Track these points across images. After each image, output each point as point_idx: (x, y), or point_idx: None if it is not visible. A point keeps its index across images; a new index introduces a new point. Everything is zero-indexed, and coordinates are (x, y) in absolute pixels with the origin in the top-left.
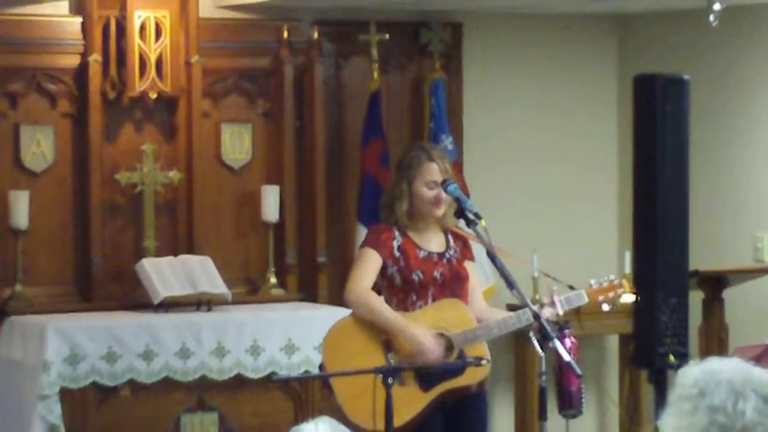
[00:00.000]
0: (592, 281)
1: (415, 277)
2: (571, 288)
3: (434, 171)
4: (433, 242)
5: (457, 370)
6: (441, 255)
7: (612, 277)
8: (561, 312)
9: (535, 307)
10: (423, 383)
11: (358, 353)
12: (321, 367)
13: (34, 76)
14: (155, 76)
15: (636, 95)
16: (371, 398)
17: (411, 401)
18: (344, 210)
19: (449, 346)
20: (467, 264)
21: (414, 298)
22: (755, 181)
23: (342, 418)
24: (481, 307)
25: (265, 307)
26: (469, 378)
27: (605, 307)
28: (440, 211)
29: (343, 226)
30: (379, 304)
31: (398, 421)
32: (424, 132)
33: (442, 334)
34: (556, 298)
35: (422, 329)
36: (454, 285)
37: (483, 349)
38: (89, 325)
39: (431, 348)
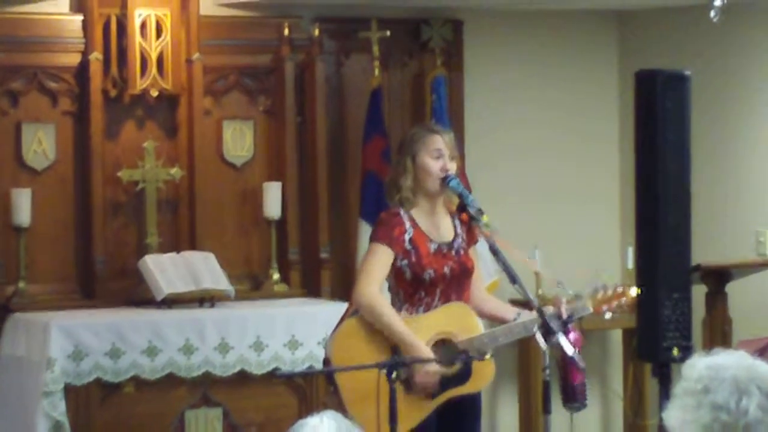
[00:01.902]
0: (598, 290)
1: (426, 276)
2: (577, 296)
3: (438, 141)
4: (442, 228)
5: (463, 377)
6: (450, 245)
7: (615, 285)
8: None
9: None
10: (432, 391)
11: (366, 356)
12: (325, 362)
13: (35, 75)
14: (156, 73)
15: (637, 91)
16: (375, 403)
17: (417, 408)
18: (346, 206)
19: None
20: (471, 251)
21: (422, 294)
22: (757, 176)
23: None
24: (482, 296)
25: (268, 303)
26: (475, 385)
27: (607, 316)
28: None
29: (346, 223)
30: (388, 312)
31: (403, 428)
32: None
33: (448, 340)
34: (562, 307)
35: (428, 352)
36: (461, 279)
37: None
38: (92, 321)
39: (433, 378)
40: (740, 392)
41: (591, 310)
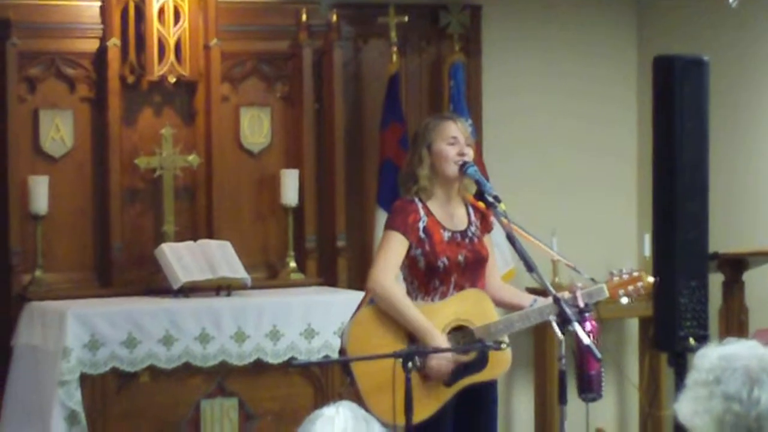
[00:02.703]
0: (614, 275)
1: (440, 264)
2: (593, 280)
3: (452, 127)
4: (456, 217)
5: (480, 365)
6: (464, 234)
7: (632, 269)
8: (582, 306)
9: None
10: (447, 378)
11: (382, 345)
12: (341, 352)
13: (53, 61)
14: (174, 60)
15: (655, 77)
16: (392, 392)
17: (434, 396)
18: (364, 193)
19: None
20: (486, 239)
21: (437, 283)
22: None
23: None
24: (498, 284)
25: (285, 291)
26: (492, 373)
27: (624, 300)
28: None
29: (363, 210)
30: (403, 300)
31: (421, 416)
32: None
33: (464, 327)
34: (577, 293)
35: (443, 338)
36: (475, 267)
37: (503, 337)
38: (109, 310)
39: (446, 364)
40: (752, 382)
41: (607, 294)
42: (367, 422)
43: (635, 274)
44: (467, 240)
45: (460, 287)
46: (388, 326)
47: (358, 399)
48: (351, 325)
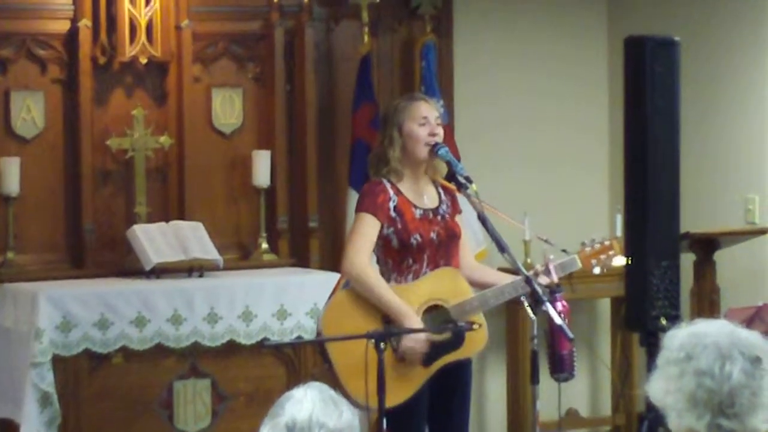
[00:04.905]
0: (585, 245)
1: (413, 241)
2: (564, 252)
3: (423, 107)
4: (426, 196)
5: (456, 343)
6: (435, 211)
7: (603, 239)
8: (556, 279)
9: (529, 273)
10: (423, 359)
11: (357, 328)
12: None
13: (23, 42)
14: (145, 40)
15: (626, 57)
16: (365, 374)
17: (412, 378)
18: (335, 174)
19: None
20: (457, 219)
21: (410, 262)
22: (746, 143)
23: (343, 393)
24: (470, 264)
25: (257, 272)
26: (469, 350)
27: (596, 270)
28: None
29: (335, 191)
30: (378, 283)
31: (400, 398)
32: None
33: (439, 306)
34: (551, 265)
35: (417, 320)
36: (448, 244)
37: (479, 317)
38: (81, 292)
39: (421, 345)
40: (723, 357)
41: (580, 265)
42: (336, 403)
43: (606, 243)
44: (439, 217)
45: (434, 265)
46: (363, 309)
47: (336, 383)
48: (326, 310)
